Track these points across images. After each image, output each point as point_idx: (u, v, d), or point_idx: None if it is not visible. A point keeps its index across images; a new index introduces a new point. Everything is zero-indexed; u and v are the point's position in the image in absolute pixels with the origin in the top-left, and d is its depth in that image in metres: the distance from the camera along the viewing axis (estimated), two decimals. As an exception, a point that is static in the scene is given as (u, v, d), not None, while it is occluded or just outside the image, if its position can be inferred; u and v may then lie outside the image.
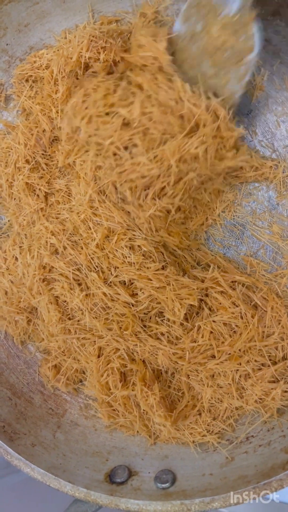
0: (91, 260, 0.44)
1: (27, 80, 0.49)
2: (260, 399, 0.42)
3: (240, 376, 0.42)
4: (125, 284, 0.44)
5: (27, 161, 0.47)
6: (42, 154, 0.48)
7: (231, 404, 0.43)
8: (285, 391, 0.42)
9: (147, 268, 0.43)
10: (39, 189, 0.47)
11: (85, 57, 0.43)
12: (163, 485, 0.40)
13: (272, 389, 0.42)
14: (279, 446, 0.39)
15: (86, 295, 0.44)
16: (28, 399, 0.49)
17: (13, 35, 0.48)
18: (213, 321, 0.43)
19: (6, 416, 0.46)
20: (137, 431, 0.45)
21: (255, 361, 0.42)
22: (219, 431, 0.43)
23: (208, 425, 0.43)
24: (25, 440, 0.44)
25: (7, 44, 0.48)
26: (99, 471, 0.43)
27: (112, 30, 0.45)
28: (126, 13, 0.47)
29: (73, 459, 0.44)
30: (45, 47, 0.49)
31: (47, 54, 0.48)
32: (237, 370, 0.42)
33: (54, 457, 0.43)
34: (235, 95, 0.41)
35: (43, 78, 0.47)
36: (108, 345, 0.44)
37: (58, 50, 0.47)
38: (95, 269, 0.44)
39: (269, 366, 0.42)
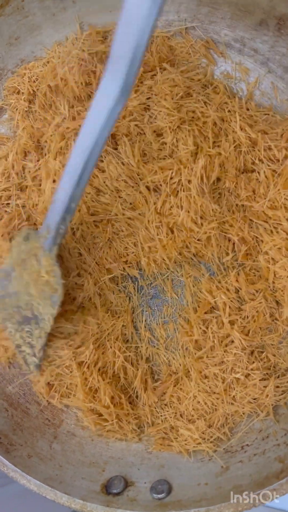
0: None
1: (18, 93, 0.49)
2: (254, 399, 0.43)
3: (232, 382, 0.43)
4: None
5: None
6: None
7: (225, 410, 0.43)
8: (277, 386, 0.43)
9: None
10: None
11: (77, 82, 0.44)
12: (159, 496, 0.40)
13: (264, 386, 0.42)
14: (274, 455, 0.39)
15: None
16: (24, 410, 0.49)
17: (4, 48, 0.48)
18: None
19: (2, 427, 0.46)
20: (125, 434, 0.45)
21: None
22: (214, 439, 0.43)
23: (203, 432, 0.43)
24: (21, 451, 0.44)
25: (-2, 57, 0.49)
26: (96, 482, 0.43)
27: (100, 52, 0.45)
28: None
29: (70, 470, 0.44)
30: (35, 59, 0.49)
31: (37, 66, 0.48)
32: (224, 371, 0.43)
33: (50, 468, 0.43)
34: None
35: (33, 91, 0.47)
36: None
37: (48, 63, 0.47)
38: None
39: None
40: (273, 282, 0.43)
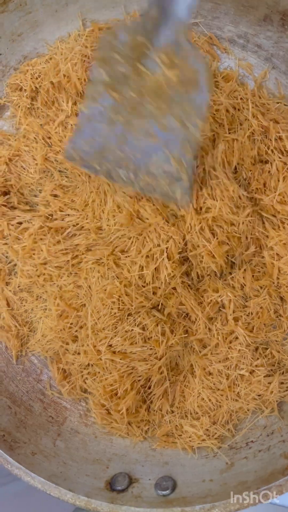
0: None
1: (20, 90, 0.49)
2: (259, 395, 0.43)
3: (236, 378, 0.43)
4: None
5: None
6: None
7: (230, 406, 0.43)
8: (282, 383, 0.43)
9: None
10: None
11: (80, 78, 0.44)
12: (164, 492, 0.40)
13: (269, 383, 0.42)
14: (279, 451, 0.39)
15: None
16: (28, 407, 0.49)
17: (6, 44, 0.48)
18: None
19: (6, 425, 0.46)
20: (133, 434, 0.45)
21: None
22: (219, 436, 0.43)
23: (207, 429, 0.43)
24: (25, 448, 0.44)
25: (0, 54, 0.48)
26: (100, 479, 0.42)
27: None
28: (119, 21, 0.48)
29: (74, 467, 0.44)
30: (38, 56, 0.49)
31: (40, 63, 0.48)
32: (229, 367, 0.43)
33: (54, 465, 0.43)
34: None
35: (36, 88, 0.47)
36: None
37: (50, 59, 0.47)
38: None
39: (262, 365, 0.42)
40: (278, 278, 0.43)
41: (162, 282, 0.42)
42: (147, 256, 0.42)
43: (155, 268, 0.42)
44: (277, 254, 0.42)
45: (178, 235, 0.42)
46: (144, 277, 0.42)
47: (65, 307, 0.46)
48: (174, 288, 0.43)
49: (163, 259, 0.41)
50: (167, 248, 0.41)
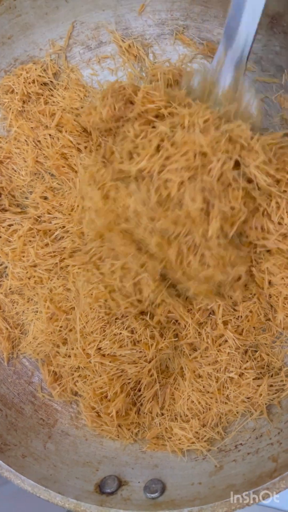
0: None
1: (12, 92, 0.49)
2: (248, 398, 0.43)
3: (226, 381, 0.43)
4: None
5: None
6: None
7: (219, 409, 0.43)
8: (271, 385, 0.43)
9: None
10: None
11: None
12: (153, 495, 0.40)
13: (258, 385, 0.42)
14: (267, 454, 0.39)
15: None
16: (18, 410, 0.49)
17: (-4, 47, 0.48)
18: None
19: (-3, 427, 0.46)
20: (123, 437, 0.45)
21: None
22: (208, 438, 0.43)
23: (197, 432, 0.43)
24: (15, 451, 0.44)
25: (-9, 57, 0.49)
26: (90, 482, 0.43)
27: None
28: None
29: (64, 470, 0.44)
30: (30, 58, 0.49)
31: (35, 69, 0.48)
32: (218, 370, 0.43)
33: (44, 468, 0.43)
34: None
35: (28, 93, 0.47)
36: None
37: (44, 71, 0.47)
38: None
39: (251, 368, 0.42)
40: (268, 289, 0.43)
41: (145, 298, 0.41)
42: (123, 268, 0.41)
43: (137, 282, 0.41)
44: (267, 268, 0.41)
45: (155, 260, 0.40)
46: (126, 288, 0.41)
47: (55, 309, 0.46)
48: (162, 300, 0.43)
49: (142, 277, 0.40)
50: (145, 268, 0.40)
